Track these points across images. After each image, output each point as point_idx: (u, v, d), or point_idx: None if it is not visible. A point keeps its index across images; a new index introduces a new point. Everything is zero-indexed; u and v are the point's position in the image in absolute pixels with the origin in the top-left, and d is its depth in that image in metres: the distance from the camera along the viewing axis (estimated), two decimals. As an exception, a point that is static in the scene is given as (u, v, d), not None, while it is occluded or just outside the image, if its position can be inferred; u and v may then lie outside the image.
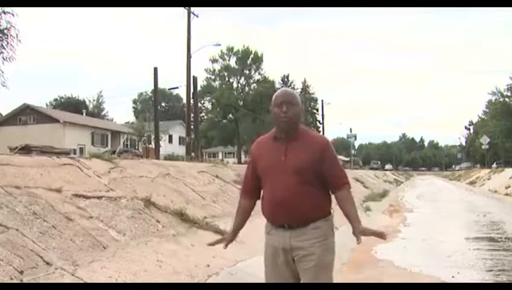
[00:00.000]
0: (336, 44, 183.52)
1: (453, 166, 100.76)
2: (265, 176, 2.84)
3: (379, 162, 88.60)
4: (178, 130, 54.34)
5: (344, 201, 2.80)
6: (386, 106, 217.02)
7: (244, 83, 55.20)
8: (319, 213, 2.78)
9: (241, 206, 3.06)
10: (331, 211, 2.83)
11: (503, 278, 6.01)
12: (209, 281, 4.65)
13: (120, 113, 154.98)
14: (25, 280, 3.53)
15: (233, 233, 3.05)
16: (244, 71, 54.37)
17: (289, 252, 2.78)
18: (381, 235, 2.87)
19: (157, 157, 21.30)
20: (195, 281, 4.55)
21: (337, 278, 6.00)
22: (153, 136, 30.24)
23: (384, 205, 17.90)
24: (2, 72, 22.71)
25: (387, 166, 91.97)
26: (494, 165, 47.78)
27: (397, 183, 43.01)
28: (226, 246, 3.05)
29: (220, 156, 63.78)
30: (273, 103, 2.84)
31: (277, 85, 62.57)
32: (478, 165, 61.35)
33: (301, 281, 2.78)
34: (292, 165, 2.73)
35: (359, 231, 2.77)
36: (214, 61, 54.14)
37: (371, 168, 62.86)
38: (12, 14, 21.67)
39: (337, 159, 2.88)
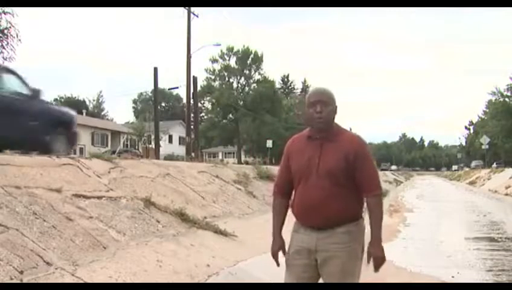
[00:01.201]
0: (336, 44, 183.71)
1: (453, 166, 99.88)
2: (298, 176, 2.79)
3: (388, 164, 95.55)
4: (178, 130, 54.39)
5: (370, 210, 2.73)
6: (386, 106, 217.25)
7: (244, 83, 55.21)
8: (348, 216, 2.73)
9: (276, 207, 2.98)
10: (363, 213, 2.79)
11: (503, 278, 6.01)
12: (209, 281, 4.65)
13: (120, 113, 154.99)
14: (25, 280, 3.53)
15: (279, 236, 2.95)
16: (244, 71, 54.37)
17: (313, 253, 2.75)
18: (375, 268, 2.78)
19: (157, 158, 21.31)
20: (195, 281, 4.55)
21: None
22: (153, 136, 30.24)
23: (384, 204, 17.78)
24: (2, 72, 22.69)
25: (393, 167, 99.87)
26: (494, 165, 47.79)
27: (397, 183, 42.99)
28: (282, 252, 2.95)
29: (220, 156, 63.82)
30: (306, 103, 2.80)
31: (277, 85, 62.61)
32: (467, 168, 61.69)
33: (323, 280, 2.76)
34: (325, 168, 2.69)
35: (370, 255, 2.73)
36: (214, 61, 54.17)
37: (382, 170, 64.46)
38: (12, 14, 21.67)
39: (370, 162, 2.76)
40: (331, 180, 2.67)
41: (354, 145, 2.72)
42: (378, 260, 2.73)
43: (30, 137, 7.94)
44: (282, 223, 2.96)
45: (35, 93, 8.40)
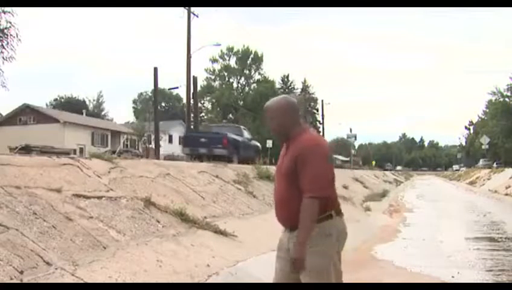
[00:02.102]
0: (336, 44, 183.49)
1: (454, 166, 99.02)
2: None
3: (389, 164, 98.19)
4: (178, 130, 54.33)
5: (301, 211, 2.74)
6: (386, 106, 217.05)
7: (244, 83, 55.27)
8: None
9: None
10: (332, 214, 2.81)
11: (503, 278, 6.01)
12: (209, 281, 4.65)
13: (120, 113, 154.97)
14: (25, 280, 3.53)
15: None
16: (244, 71, 54.44)
17: (289, 252, 2.84)
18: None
19: (157, 157, 21.29)
20: (195, 281, 4.55)
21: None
22: (153, 136, 30.24)
23: (384, 205, 17.91)
24: (2, 71, 22.71)
25: (398, 167, 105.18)
26: (494, 165, 47.76)
27: (397, 183, 42.99)
28: None
29: (220, 156, 63.72)
30: None
31: (277, 85, 62.62)
32: (474, 167, 61.37)
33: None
34: (282, 171, 2.89)
35: (291, 256, 2.77)
36: (214, 61, 54.25)
37: (385, 170, 65.49)
38: (12, 14, 21.68)
39: (312, 164, 2.76)
40: (286, 182, 2.84)
41: (300, 147, 2.82)
42: (295, 261, 2.75)
43: (253, 156, 18.66)
44: None
45: (252, 137, 21.32)
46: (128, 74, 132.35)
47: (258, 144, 21.82)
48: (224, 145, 17.02)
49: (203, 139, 17.53)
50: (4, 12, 21.50)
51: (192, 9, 26.73)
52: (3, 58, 22.02)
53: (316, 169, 2.76)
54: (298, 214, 2.74)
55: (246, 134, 20.25)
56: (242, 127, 22.13)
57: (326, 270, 2.79)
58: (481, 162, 54.43)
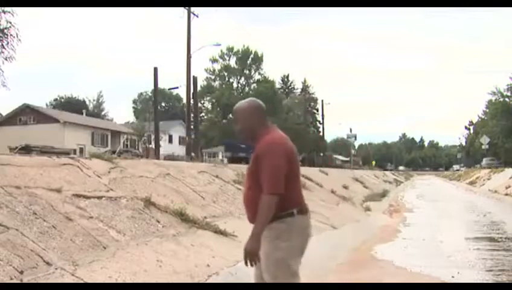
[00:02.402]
0: (336, 44, 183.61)
1: (455, 166, 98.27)
2: None
3: (388, 164, 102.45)
4: (178, 130, 54.36)
5: (259, 207, 2.85)
6: (386, 106, 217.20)
7: (244, 83, 55.26)
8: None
9: None
10: (294, 212, 2.91)
11: (503, 278, 6.01)
12: (209, 281, 4.65)
13: (120, 113, 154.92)
14: (25, 280, 3.53)
15: None
16: (244, 71, 54.42)
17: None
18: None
19: (157, 157, 21.31)
20: (195, 281, 4.55)
21: (336, 278, 6.01)
22: (153, 136, 30.24)
23: (384, 205, 17.91)
24: (2, 71, 22.69)
25: (401, 167, 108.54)
26: (483, 163, 47.83)
27: (397, 183, 42.99)
28: None
29: (220, 156, 63.76)
30: None
31: (277, 85, 62.60)
32: (478, 165, 61.16)
33: None
34: (247, 171, 3.09)
35: (245, 247, 2.87)
36: (214, 61, 54.23)
37: (385, 170, 66.81)
38: (12, 14, 21.66)
39: (267, 164, 2.87)
40: (251, 181, 3.01)
41: (259, 147, 2.96)
42: (246, 253, 2.85)
43: None
44: None
45: None
46: (128, 74, 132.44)
47: None
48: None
49: (242, 146, 21.93)
50: (4, 12, 21.48)
51: (192, 9, 26.76)
52: (3, 58, 22.01)
53: (271, 167, 2.86)
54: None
55: None
56: None
57: (283, 264, 2.89)
58: (484, 161, 51.67)
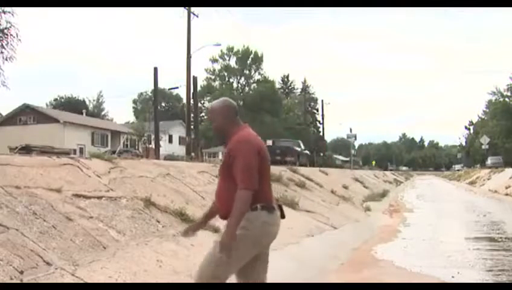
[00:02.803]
0: (336, 44, 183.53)
1: (456, 166, 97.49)
2: None
3: (394, 165, 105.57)
4: (178, 130, 54.33)
5: (234, 201, 2.95)
6: (386, 106, 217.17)
7: (244, 83, 55.25)
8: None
9: None
10: (257, 206, 3.01)
11: (503, 278, 6.01)
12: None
13: (120, 113, 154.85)
14: (25, 280, 3.53)
15: None
16: (244, 71, 54.40)
17: None
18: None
19: (157, 157, 21.29)
20: (195, 280, 4.54)
21: (336, 278, 6.01)
22: (153, 136, 30.22)
23: (384, 205, 17.91)
24: (2, 71, 22.68)
25: (404, 167, 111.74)
26: (488, 162, 47.52)
27: (397, 183, 42.98)
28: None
29: (220, 156, 63.72)
30: None
31: (277, 85, 62.60)
32: (478, 165, 61.12)
33: None
34: (219, 168, 3.26)
35: (221, 240, 2.95)
36: (214, 61, 54.23)
37: (386, 170, 67.48)
38: (12, 14, 21.66)
39: (241, 159, 3.00)
40: (223, 177, 3.18)
41: (231, 144, 3.11)
42: (221, 244, 2.93)
43: (305, 161, 27.59)
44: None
45: (304, 148, 30.48)
46: (128, 74, 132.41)
47: (308, 152, 32.64)
48: (292, 154, 25.48)
49: (278, 151, 24.73)
50: (4, 12, 21.48)
51: (192, 9, 26.75)
52: (3, 58, 22.00)
53: (245, 164, 2.99)
54: (228, 207, 2.98)
55: (301, 146, 30.12)
56: (299, 141, 31.48)
57: (239, 252, 2.96)
58: (489, 160, 47.55)
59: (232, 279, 3.19)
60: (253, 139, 3.15)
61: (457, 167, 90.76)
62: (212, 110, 3.29)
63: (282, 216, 3.19)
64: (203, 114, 57.34)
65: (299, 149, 27.77)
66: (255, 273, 3.15)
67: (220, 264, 2.97)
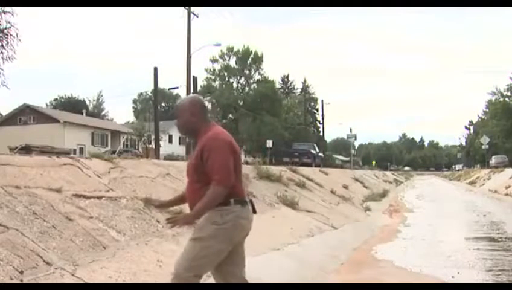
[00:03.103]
0: (336, 44, 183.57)
1: (456, 166, 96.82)
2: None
3: (395, 165, 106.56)
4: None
5: (206, 194, 3.00)
6: (386, 106, 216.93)
7: (244, 83, 55.13)
8: None
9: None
10: (231, 201, 3.04)
11: (503, 278, 6.01)
12: (209, 281, 4.65)
13: (120, 113, 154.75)
14: (25, 280, 3.53)
15: (173, 200, 3.65)
16: (244, 71, 54.28)
17: None
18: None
19: (157, 157, 21.29)
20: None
21: (336, 278, 6.01)
22: (153, 136, 30.22)
23: (384, 205, 17.90)
24: (2, 71, 22.66)
25: (406, 168, 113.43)
26: (493, 161, 47.42)
27: (397, 183, 42.99)
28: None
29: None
30: None
31: (277, 85, 62.53)
32: (478, 165, 61.05)
33: None
34: (189, 166, 3.20)
35: (183, 216, 3.20)
36: (214, 61, 54.05)
37: (385, 170, 67.63)
38: (12, 14, 21.65)
39: (215, 155, 3.01)
40: (192, 176, 3.15)
41: (203, 142, 3.08)
42: (178, 218, 3.19)
43: (319, 162, 30.63)
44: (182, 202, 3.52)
45: (319, 151, 34.99)
46: (128, 74, 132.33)
47: (322, 155, 37.13)
48: (308, 157, 29.37)
49: (296, 153, 29.04)
50: (4, 12, 21.46)
51: (192, 9, 26.75)
52: (3, 58, 21.98)
53: (221, 160, 3.01)
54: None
55: (317, 149, 34.68)
56: (314, 144, 36.32)
57: (204, 245, 3.01)
58: (494, 159, 45.42)
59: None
60: (226, 136, 3.16)
61: (458, 166, 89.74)
62: (180, 107, 3.25)
63: (254, 211, 3.24)
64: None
65: (314, 152, 31.77)
66: (233, 267, 3.17)
67: (196, 259, 3.00)
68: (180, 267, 3.03)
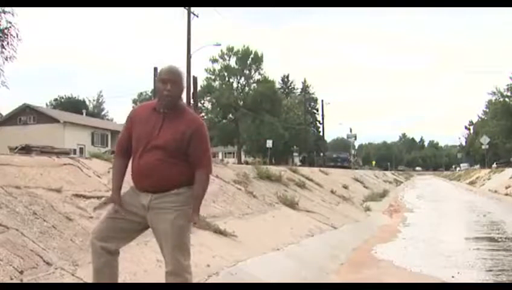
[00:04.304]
0: (336, 44, 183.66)
1: (458, 165, 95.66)
2: (137, 144, 3.06)
3: (398, 165, 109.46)
4: (178, 130, 54.16)
5: (196, 182, 3.05)
6: (386, 106, 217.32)
7: (244, 83, 55.13)
8: (181, 182, 3.04)
9: (116, 166, 3.31)
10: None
11: (503, 278, 6.01)
12: (209, 281, 4.65)
13: (120, 113, 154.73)
14: (25, 280, 3.53)
15: (118, 193, 3.25)
16: (244, 71, 54.29)
17: (145, 210, 3.08)
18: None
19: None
20: (195, 281, 4.53)
21: (336, 278, 6.01)
22: (153, 136, 30.21)
23: (384, 205, 17.90)
24: (2, 71, 22.67)
25: (416, 168, 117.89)
26: (494, 165, 47.59)
27: (397, 183, 42.98)
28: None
29: (220, 156, 63.75)
30: (158, 78, 3.08)
31: (277, 85, 62.56)
32: (478, 165, 61.03)
33: (155, 238, 3.22)
34: (163, 139, 2.98)
35: (196, 214, 3.16)
36: (214, 61, 54.08)
37: (385, 170, 68.16)
38: (12, 14, 21.66)
39: (204, 143, 3.08)
40: (165, 151, 2.98)
41: (194, 125, 3.03)
42: (193, 217, 3.15)
43: (349, 165, 45.80)
44: (122, 181, 3.26)
45: (348, 155, 52.08)
46: (128, 74, 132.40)
47: (352, 160, 48.46)
48: (347, 161, 44.73)
49: (339, 159, 43.63)
50: (4, 12, 21.48)
51: (192, 9, 26.76)
52: (3, 58, 21.99)
53: (205, 147, 3.09)
54: (177, 178, 3.01)
55: (348, 155, 49.19)
56: (347, 152, 50.73)
57: (185, 229, 3.13)
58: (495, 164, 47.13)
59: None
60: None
61: (463, 166, 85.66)
62: (182, 74, 3.10)
63: None
64: (203, 114, 57.32)
65: (348, 157, 47.59)
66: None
67: (187, 236, 3.19)
68: (185, 244, 3.18)
